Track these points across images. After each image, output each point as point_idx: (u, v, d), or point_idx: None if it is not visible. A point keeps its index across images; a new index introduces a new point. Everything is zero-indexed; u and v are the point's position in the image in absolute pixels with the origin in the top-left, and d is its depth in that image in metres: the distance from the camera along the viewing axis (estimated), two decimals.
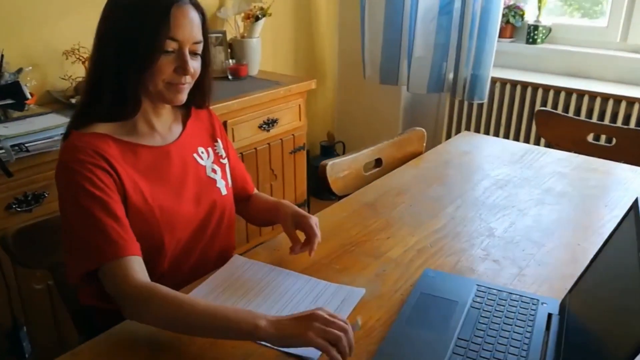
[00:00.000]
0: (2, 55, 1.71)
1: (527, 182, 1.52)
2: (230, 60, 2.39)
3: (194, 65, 1.00)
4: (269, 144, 2.25)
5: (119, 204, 0.94)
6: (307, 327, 0.77)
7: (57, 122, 1.53)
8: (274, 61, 2.83)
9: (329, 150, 3.19)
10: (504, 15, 2.67)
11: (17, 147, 1.42)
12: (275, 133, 2.27)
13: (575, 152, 1.79)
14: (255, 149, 2.20)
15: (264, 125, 2.20)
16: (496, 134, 2.67)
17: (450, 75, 2.69)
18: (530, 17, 2.70)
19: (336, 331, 0.77)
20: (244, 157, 2.15)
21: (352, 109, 3.28)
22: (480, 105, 2.70)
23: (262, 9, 2.42)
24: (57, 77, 1.96)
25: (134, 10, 0.95)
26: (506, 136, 2.64)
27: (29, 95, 1.75)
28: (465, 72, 2.60)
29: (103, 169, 0.94)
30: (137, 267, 0.90)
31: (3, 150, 1.40)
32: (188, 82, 1.02)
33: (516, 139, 2.60)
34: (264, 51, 2.67)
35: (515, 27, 2.73)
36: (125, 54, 0.95)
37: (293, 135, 2.37)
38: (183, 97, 1.03)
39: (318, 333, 0.77)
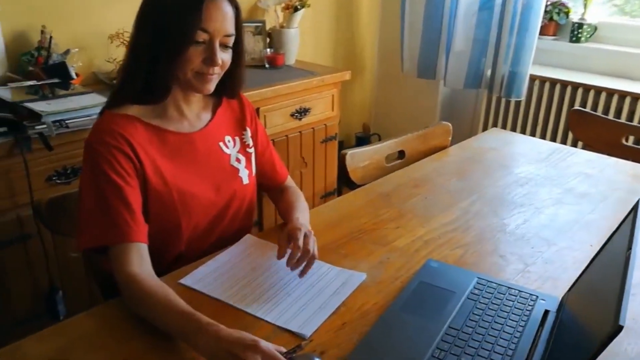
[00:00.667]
0: (51, 37, 1.83)
1: (550, 181, 1.50)
2: (268, 50, 2.44)
3: (223, 57, 1.04)
4: (300, 132, 2.30)
5: (135, 190, 1.00)
6: None
7: (95, 102, 1.63)
8: (313, 52, 2.87)
9: (364, 141, 3.21)
10: (547, 12, 2.61)
11: (57, 123, 1.52)
12: (307, 122, 2.31)
13: (608, 154, 1.75)
14: (287, 136, 2.25)
15: (296, 114, 2.25)
16: (533, 133, 2.63)
17: (489, 72, 2.65)
18: (575, 15, 2.62)
19: None
20: (275, 144, 2.20)
21: (389, 102, 3.28)
22: (518, 103, 2.65)
23: (301, 0, 2.46)
24: (102, 59, 2.06)
25: (170, 1, 1.00)
26: (543, 135, 2.59)
27: (74, 75, 1.86)
28: (504, 69, 2.56)
29: (125, 153, 0.99)
30: (135, 256, 0.94)
31: (45, 126, 1.50)
32: (217, 73, 1.05)
33: (553, 139, 2.55)
34: (303, 41, 2.71)
35: (559, 25, 2.66)
36: (158, 41, 1.00)
37: (325, 125, 2.40)
38: (211, 87, 1.07)
39: None
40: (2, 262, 1.57)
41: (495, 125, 2.76)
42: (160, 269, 1.10)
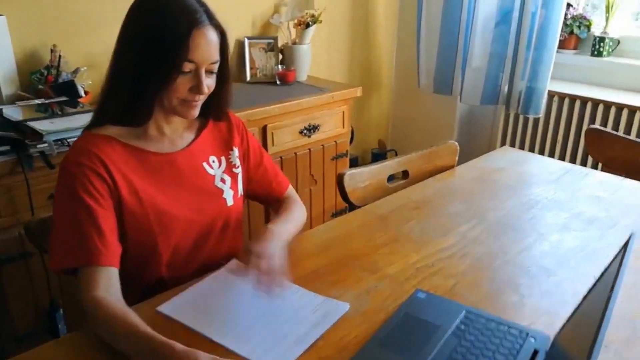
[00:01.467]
0: (60, 56, 1.86)
1: (557, 205, 1.43)
2: (280, 66, 2.44)
3: (209, 83, 1.03)
4: (309, 149, 2.28)
5: (108, 212, 0.98)
6: None
7: None
8: (327, 68, 2.86)
9: (380, 157, 3.16)
10: (567, 26, 2.53)
11: (59, 142, 1.54)
12: (317, 139, 2.29)
13: (626, 177, 1.66)
14: (295, 153, 2.23)
15: (305, 131, 2.23)
16: (552, 152, 2.54)
17: (506, 87, 2.58)
18: (597, 29, 2.53)
19: None
20: (283, 161, 2.18)
21: (406, 118, 3.23)
22: (537, 120, 2.57)
23: (313, 16, 2.45)
24: None
25: (153, 31, 0.97)
26: (562, 155, 2.50)
27: (82, 93, 1.88)
28: (521, 85, 2.49)
29: (99, 174, 0.98)
30: (102, 279, 0.93)
31: (46, 144, 1.52)
32: (201, 99, 1.05)
33: (573, 158, 2.45)
34: (317, 58, 2.71)
35: (580, 39, 2.58)
36: (144, 68, 0.98)
37: (335, 141, 2.38)
38: (195, 112, 1.06)
39: None
40: (3, 279, 1.59)
41: (513, 143, 2.68)
42: (140, 292, 1.09)
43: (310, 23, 2.44)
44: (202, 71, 1.01)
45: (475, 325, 0.94)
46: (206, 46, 1.00)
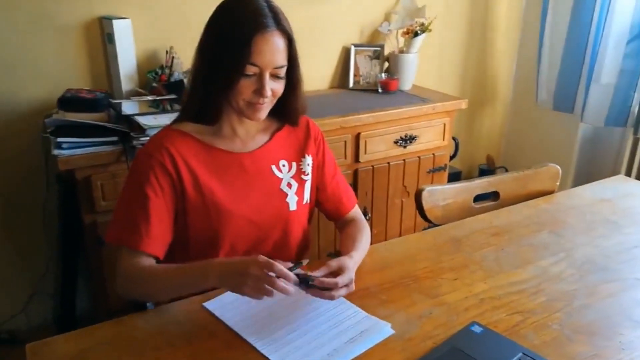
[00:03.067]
0: (173, 57, 2.00)
1: None
2: (384, 74, 2.41)
3: (274, 86, 1.06)
4: (404, 160, 2.22)
5: (163, 203, 1.06)
6: (242, 283, 0.90)
7: None
8: (436, 78, 2.77)
9: (487, 174, 2.99)
10: None
11: None
12: (413, 150, 2.22)
13: None
14: (389, 163, 2.18)
15: (400, 141, 2.17)
16: None
17: (637, 108, 2.30)
18: None
19: (266, 286, 0.89)
20: (375, 171, 2.15)
21: (521, 135, 3.02)
22: None
23: (422, 24, 2.38)
24: None
25: (223, 33, 1.04)
26: None
27: None
28: None
29: (165, 168, 1.06)
30: (140, 263, 1.02)
31: (148, 137, 1.64)
32: (267, 102, 1.08)
33: None
34: (426, 67, 2.63)
35: None
36: (212, 71, 1.05)
37: (433, 154, 2.29)
38: (261, 115, 1.09)
39: (252, 289, 0.90)
40: (104, 259, 1.75)
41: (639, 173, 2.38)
42: None
43: (419, 32, 2.38)
44: (267, 75, 1.04)
45: None
46: (270, 51, 1.02)
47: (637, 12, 2.26)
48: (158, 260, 1.06)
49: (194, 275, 0.97)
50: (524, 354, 0.89)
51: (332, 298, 0.96)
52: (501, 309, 1.03)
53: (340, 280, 0.97)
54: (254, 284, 0.89)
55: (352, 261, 1.06)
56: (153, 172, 1.05)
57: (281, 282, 0.89)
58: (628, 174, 2.44)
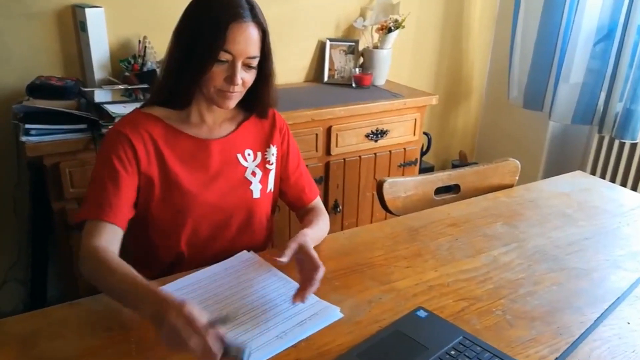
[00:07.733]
0: (146, 47, 2.01)
1: (615, 240, 1.29)
2: (357, 69, 2.44)
3: (245, 76, 1.09)
4: (375, 154, 2.25)
5: (131, 180, 1.07)
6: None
7: None
8: (410, 74, 2.80)
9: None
10: None
11: None
12: (384, 144, 2.26)
13: None
14: (360, 157, 2.22)
15: (372, 135, 2.20)
16: None
17: (602, 108, 2.36)
18: None
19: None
20: (346, 164, 2.18)
21: (494, 131, 3.08)
22: (634, 146, 2.32)
23: (396, 21, 2.41)
24: None
25: (199, 19, 1.07)
26: None
27: None
28: (618, 106, 2.26)
29: (133, 146, 1.08)
30: (106, 234, 1.01)
31: None
32: (237, 91, 1.11)
33: None
34: (400, 63, 2.67)
35: None
36: (186, 56, 1.07)
37: (404, 149, 2.33)
38: (231, 103, 1.12)
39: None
40: (71, 245, 1.76)
41: (604, 169, 2.45)
42: (158, 269, 1.18)
43: (393, 28, 2.41)
44: (239, 63, 1.07)
45: (467, 354, 0.89)
46: (244, 40, 1.05)
47: (605, 14, 2.31)
48: (123, 247, 1.05)
49: (136, 295, 0.86)
50: (464, 337, 0.93)
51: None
52: (448, 295, 1.07)
53: (318, 277, 0.99)
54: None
55: (307, 237, 1.07)
56: (122, 149, 1.07)
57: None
58: (593, 170, 2.51)
